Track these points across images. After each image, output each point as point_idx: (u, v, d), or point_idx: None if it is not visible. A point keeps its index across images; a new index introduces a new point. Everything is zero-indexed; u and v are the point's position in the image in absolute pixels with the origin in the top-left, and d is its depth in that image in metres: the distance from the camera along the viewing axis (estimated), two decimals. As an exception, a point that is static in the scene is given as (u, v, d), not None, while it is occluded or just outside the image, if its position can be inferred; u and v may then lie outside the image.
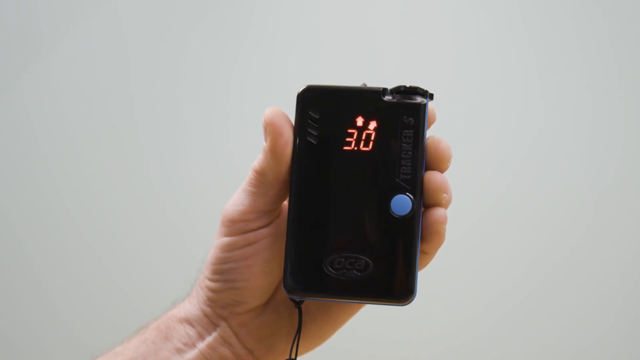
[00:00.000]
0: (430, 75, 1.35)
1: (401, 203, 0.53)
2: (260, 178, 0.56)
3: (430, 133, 0.55)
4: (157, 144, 1.41)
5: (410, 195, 0.53)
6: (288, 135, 0.55)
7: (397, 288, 0.53)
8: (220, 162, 1.39)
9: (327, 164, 0.54)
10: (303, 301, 0.57)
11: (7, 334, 1.44)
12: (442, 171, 0.54)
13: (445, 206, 0.55)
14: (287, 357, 0.59)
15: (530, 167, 1.35)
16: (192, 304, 0.60)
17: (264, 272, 0.58)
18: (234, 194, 0.59)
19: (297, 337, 0.57)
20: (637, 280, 1.34)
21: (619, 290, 1.34)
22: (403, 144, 0.53)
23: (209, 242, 0.58)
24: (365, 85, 0.54)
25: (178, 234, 1.40)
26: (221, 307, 0.59)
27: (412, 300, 0.54)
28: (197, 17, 1.40)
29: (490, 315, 1.35)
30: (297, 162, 0.54)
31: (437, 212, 0.54)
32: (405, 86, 0.53)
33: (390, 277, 0.53)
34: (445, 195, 0.54)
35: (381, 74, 1.34)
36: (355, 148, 0.53)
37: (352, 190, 0.54)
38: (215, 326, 0.59)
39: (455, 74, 1.36)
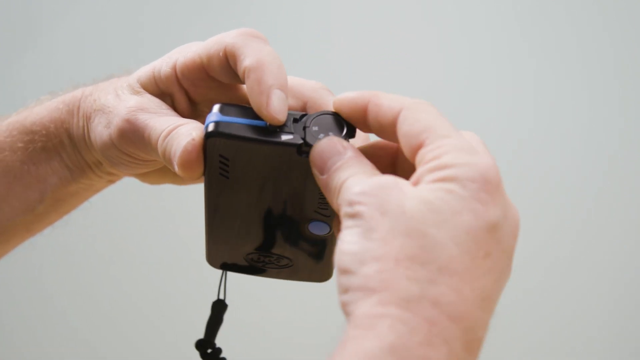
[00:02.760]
0: (428, 73, 1.36)
1: (319, 227, 0.53)
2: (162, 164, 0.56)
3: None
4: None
5: (327, 221, 0.53)
6: (200, 173, 0.52)
7: (317, 275, 0.56)
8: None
9: (240, 197, 0.52)
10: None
11: (7, 333, 1.44)
12: None
13: None
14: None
15: (527, 165, 1.35)
16: (82, 129, 0.59)
17: (148, 169, 0.59)
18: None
19: (224, 278, 0.58)
20: (633, 278, 1.34)
21: (616, 289, 1.34)
22: (320, 193, 0.50)
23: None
24: (279, 140, 0.50)
25: (178, 232, 1.40)
26: (102, 160, 0.59)
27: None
28: (199, 11, 1.40)
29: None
30: (210, 188, 0.52)
31: None
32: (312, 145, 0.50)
33: (311, 270, 0.55)
34: None
35: (379, 72, 1.34)
36: (270, 187, 0.52)
37: (269, 215, 0.53)
38: (101, 162, 0.60)
39: (452, 71, 1.36)
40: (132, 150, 0.55)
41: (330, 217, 0.52)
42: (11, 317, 1.44)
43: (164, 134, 0.53)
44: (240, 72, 0.52)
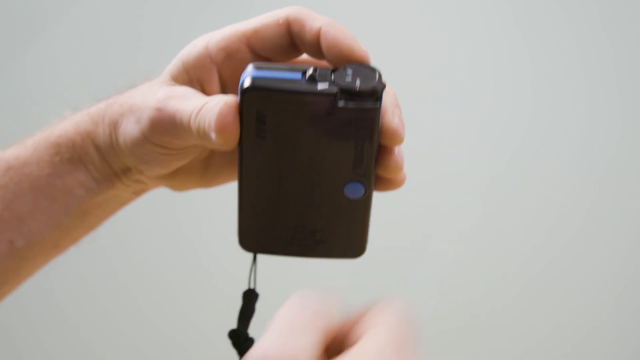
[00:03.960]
0: (428, 73, 1.36)
1: (354, 189, 0.53)
2: (199, 140, 0.54)
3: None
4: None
5: (363, 182, 0.53)
6: (237, 137, 0.51)
7: (351, 251, 0.55)
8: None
9: (277, 159, 0.52)
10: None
11: (8, 332, 1.44)
12: (395, 147, 0.53)
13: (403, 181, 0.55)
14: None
15: (525, 163, 1.36)
16: (108, 136, 0.59)
17: (179, 164, 0.58)
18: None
19: (254, 268, 0.58)
20: (632, 277, 1.34)
21: (614, 287, 1.34)
22: (356, 146, 0.52)
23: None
24: (316, 70, 0.51)
25: (179, 231, 1.40)
26: (134, 164, 0.59)
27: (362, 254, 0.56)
28: (199, 10, 1.40)
29: (485, 312, 1.35)
30: (245, 154, 0.52)
31: (398, 180, 0.54)
32: (357, 89, 0.51)
33: (344, 245, 0.55)
34: (401, 173, 0.54)
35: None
36: (307, 146, 0.52)
37: (304, 181, 0.53)
38: (129, 168, 0.59)
39: (452, 71, 1.36)
40: (165, 138, 0.55)
41: (366, 177, 0.53)
42: (12, 317, 1.44)
43: (195, 111, 0.53)
44: (310, 33, 0.53)
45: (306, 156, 0.52)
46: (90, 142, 0.60)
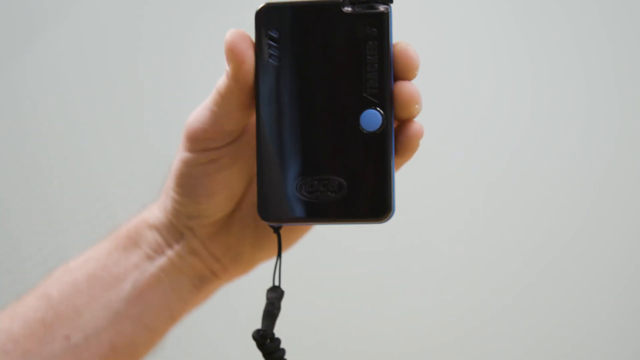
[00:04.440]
0: (428, 73, 1.35)
1: (371, 118, 0.51)
2: (224, 100, 0.55)
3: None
4: (157, 138, 1.41)
5: (379, 109, 0.51)
6: (250, 61, 0.52)
7: (374, 205, 0.51)
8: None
9: (292, 85, 0.51)
10: (281, 226, 0.56)
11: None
12: (410, 79, 0.52)
13: (417, 117, 0.53)
14: (254, 265, 0.60)
15: (524, 161, 1.35)
16: (160, 211, 0.60)
17: (227, 187, 0.57)
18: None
19: (279, 262, 0.56)
20: (632, 277, 1.34)
21: (614, 287, 1.34)
22: (368, 57, 0.50)
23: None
24: None
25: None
26: (186, 218, 0.59)
27: (390, 217, 0.52)
28: (200, 11, 1.40)
29: (483, 313, 1.35)
30: (261, 85, 0.52)
31: (414, 127, 0.52)
32: None
33: (366, 195, 0.51)
34: (417, 106, 0.51)
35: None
36: (318, 65, 0.51)
37: (319, 109, 0.51)
38: (182, 235, 0.59)
39: (447, 66, 1.36)
40: (200, 134, 0.56)
41: (382, 101, 0.51)
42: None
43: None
44: None
45: (320, 78, 0.51)
46: (144, 223, 0.60)
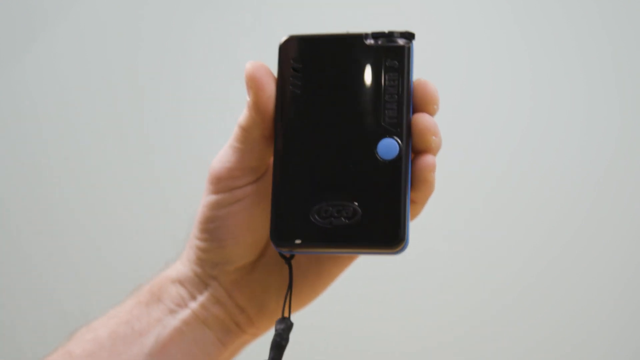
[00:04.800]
0: (428, 72, 1.35)
1: (388, 147, 0.51)
2: (246, 134, 0.55)
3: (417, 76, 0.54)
4: (157, 138, 1.41)
5: (396, 138, 0.51)
6: (270, 89, 0.53)
7: (387, 234, 0.51)
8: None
9: (312, 113, 0.52)
10: (293, 256, 0.56)
11: (8, 332, 1.44)
12: (430, 114, 0.53)
13: (435, 151, 0.53)
14: (280, 315, 0.58)
15: (523, 161, 1.35)
16: (183, 264, 0.60)
17: (251, 228, 0.57)
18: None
19: (289, 294, 0.56)
20: (632, 277, 1.34)
21: (614, 287, 1.34)
22: (388, 88, 0.52)
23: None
24: (348, 31, 0.53)
25: (179, 231, 1.40)
26: (211, 266, 0.58)
27: (403, 248, 0.52)
28: (200, 11, 1.40)
29: (484, 313, 1.35)
30: (281, 113, 0.53)
31: (425, 159, 0.53)
32: (386, 31, 0.52)
33: (380, 223, 0.51)
34: (434, 138, 0.52)
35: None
36: (340, 94, 0.52)
37: (337, 137, 0.52)
38: (206, 285, 0.59)
39: (446, 66, 1.36)
40: (224, 173, 0.56)
41: (400, 131, 0.51)
42: (11, 314, 1.44)
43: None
44: None
45: (339, 107, 0.52)
46: (166, 279, 0.60)
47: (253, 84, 0.53)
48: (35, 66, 1.43)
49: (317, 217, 0.52)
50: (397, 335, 1.37)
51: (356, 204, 0.51)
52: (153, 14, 1.41)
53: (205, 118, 1.40)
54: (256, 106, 0.54)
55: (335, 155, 0.52)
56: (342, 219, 0.51)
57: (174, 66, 1.41)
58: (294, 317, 0.56)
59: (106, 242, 1.42)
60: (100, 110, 1.42)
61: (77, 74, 1.42)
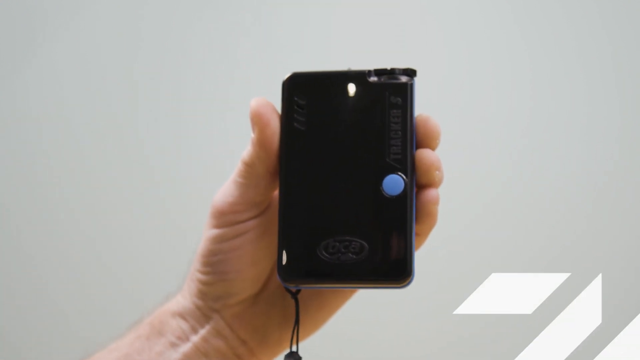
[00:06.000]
0: (429, 73, 1.35)
1: (393, 183, 0.52)
2: (250, 169, 0.56)
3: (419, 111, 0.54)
4: (157, 138, 1.41)
5: (401, 174, 0.52)
6: (275, 125, 0.54)
7: (395, 269, 0.52)
8: (220, 156, 1.39)
9: (316, 149, 0.53)
10: (299, 291, 0.57)
11: (7, 333, 1.44)
12: (432, 149, 0.54)
13: (437, 185, 0.54)
14: (282, 347, 0.59)
15: (523, 161, 1.35)
16: (185, 298, 0.60)
17: (254, 262, 0.57)
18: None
19: (296, 328, 0.57)
20: (632, 277, 1.34)
21: (614, 287, 1.34)
22: (392, 124, 0.52)
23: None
24: (350, 69, 0.54)
25: (179, 232, 1.40)
26: (213, 299, 0.58)
27: (410, 282, 0.53)
28: (200, 11, 1.40)
29: (483, 313, 1.35)
30: (286, 150, 0.53)
31: (429, 193, 0.54)
32: (388, 68, 0.53)
33: (386, 258, 0.52)
34: (437, 172, 0.53)
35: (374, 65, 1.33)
36: (344, 131, 0.53)
37: (342, 173, 0.53)
38: (208, 318, 0.59)
39: (447, 64, 1.36)
40: (227, 208, 0.56)
41: (404, 167, 0.52)
42: (11, 315, 1.44)
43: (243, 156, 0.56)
44: None
45: (344, 143, 0.53)
46: (167, 312, 0.60)
47: (258, 120, 0.54)
48: (36, 66, 1.43)
49: (324, 253, 0.52)
50: (396, 336, 1.37)
51: (363, 239, 0.52)
52: (153, 14, 1.41)
53: (205, 118, 1.40)
54: (261, 142, 0.54)
55: (341, 191, 0.53)
56: (350, 254, 0.52)
57: (174, 66, 1.41)
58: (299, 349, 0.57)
59: (106, 242, 1.42)
60: (100, 110, 1.42)
61: (77, 74, 1.42)
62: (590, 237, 1.35)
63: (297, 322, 0.57)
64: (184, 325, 0.59)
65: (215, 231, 0.57)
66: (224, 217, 0.57)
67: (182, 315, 0.59)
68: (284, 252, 0.53)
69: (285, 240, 0.53)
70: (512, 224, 1.36)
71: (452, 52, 1.37)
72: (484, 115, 1.36)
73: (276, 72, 1.35)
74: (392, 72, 0.53)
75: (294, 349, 0.56)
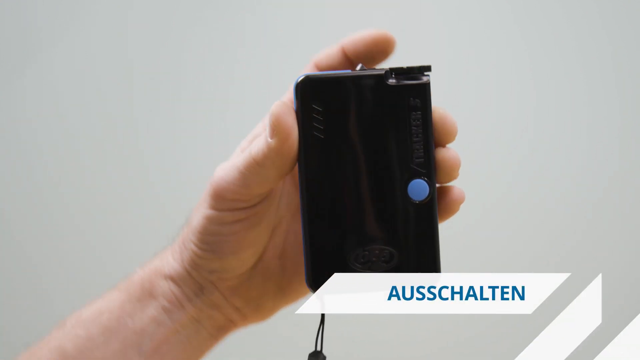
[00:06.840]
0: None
1: (418, 188, 0.52)
2: (260, 169, 0.54)
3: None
4: (156, 142, 1.41)
5: (426, 179, 0.52)
6: (296, 136, 0.52)
7: (425, 272, 0.53)
8: (220, 156, 1.38)
9: (337, 157, 0.52)
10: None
11: (7, 334, 1.44)
12: (450, 143, 0.53)
13: (456, 180, 0.54)
14: (275, 312, 0.59)
15: (523, 161, 1.35)
16: (177, 262, 0.59)
17: (252, 244, 0.57)
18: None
19: (321, 328, 0.56)
20: (632, 277, 1.34)
21: (615, 287, 1.34)
22: (413, 127, 0.52)
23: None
24: (363, 67, 0.53)
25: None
26: (208, 272, 0.58)
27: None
28: (198, 13, 1.40)
29: (484, 314, 1.35)
30: (306, 159, 0.52)
31: (455, 192, 0.54)
32: (405, 67, 0.52)
33: (416, 263, 0.53)
34: (459, 170, 0.53)
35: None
36: (365, 136, 0.52)
37: (366, 180, 0.52)
38: (202, 287, 0.58)
39: (446, 63, 1.36)
40: (228, 195, 0.55)
41: (428, 171, 0.52)
42: (12, 316, 1.44)
43: (245, 144, 0.56)
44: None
45: (366, 150, 0.52)
46: (158, 273, 0.59)
47: (279, 130, 0.52)
48: (36, 66, 1.43)
49: (356, 263, 0.52)
50: (396, 337, 1.37)
51: (392, 247, 0.52)
52: (153, 14, 1.41)
53: (205, 118, 1.40)
54: (279, 152, 0.52)
55: (366, 199, 0.52)
56: (381, 263, 0.52)
57: (174, 66, 1.41)
58: (288, 310, 0.58)
59: (106, 242, 1.42)
60: (99, 110, 1.42)
61: (77, 74, 1.42)
62: (591, 237, 1.35)
63: (322, 322, 0.57)
64: (176, 290, 0.59)
65: (214, 212, 0.56)
66: (224, 203, 0.55)
67: (173, 279, 0.59)
68: (313, 263, 0.52)
69: (313, 250, 0.52)
70: (512, 224, 1.36)
71: (452, 52, 1.37)
72: (484, 116, 1.36)
73: (276, 72, 1.36)
74: (409, 71, 0.52)
75: (318, 348, 0.56)
